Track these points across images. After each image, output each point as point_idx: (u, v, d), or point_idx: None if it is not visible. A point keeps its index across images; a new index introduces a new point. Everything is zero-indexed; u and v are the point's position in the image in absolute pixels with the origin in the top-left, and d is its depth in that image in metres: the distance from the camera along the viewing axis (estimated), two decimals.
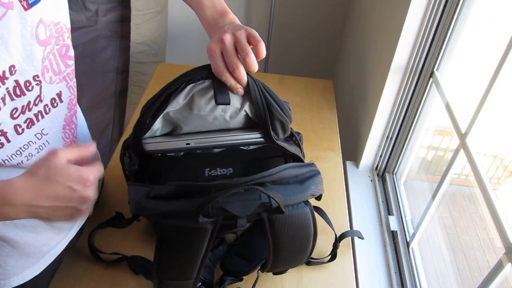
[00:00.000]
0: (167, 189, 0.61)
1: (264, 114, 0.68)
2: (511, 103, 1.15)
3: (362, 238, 0.91)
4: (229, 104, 0.65)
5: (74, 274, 0.82)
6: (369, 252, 1.12)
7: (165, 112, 0.68)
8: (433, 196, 1.04)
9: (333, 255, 0.87)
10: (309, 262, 0.84)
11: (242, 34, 0.63)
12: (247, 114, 0.71)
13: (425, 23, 1.03)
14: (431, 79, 1.11)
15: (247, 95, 0.67)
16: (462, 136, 0.91)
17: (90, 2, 1.55)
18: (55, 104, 0.68)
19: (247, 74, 0.66)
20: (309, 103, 1.36)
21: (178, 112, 0.69)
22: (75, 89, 0.73)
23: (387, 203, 1.26)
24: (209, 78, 0.65)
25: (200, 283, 0.76)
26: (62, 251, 0.82)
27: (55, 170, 0.54)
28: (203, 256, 0.60)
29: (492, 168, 2.54)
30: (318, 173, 0.68)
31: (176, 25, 2.08)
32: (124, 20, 1.64)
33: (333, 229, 0.87)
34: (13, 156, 0.62)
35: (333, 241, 0.87)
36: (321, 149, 1.18)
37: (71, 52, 0.69)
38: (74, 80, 0.72)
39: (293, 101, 1.37)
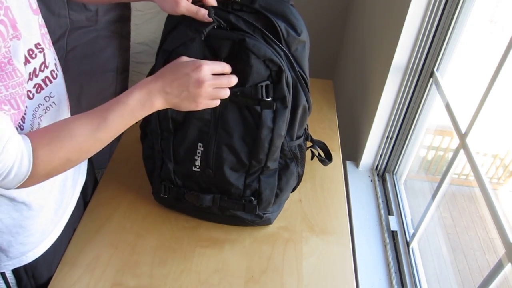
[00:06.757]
0: None
1: None
2: (511, 103, 1.15)
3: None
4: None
5: (74, 274, 0.82)
6: (369, 252, 1.12)
7: None
8: (433, 196, 1.04)
9: None
10: None
11: None
12: None
13: (425, 23, 1.03)
14: (431, 79, 1.11)
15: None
16: (462, 136, 0.91)
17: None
18: (59, 69, 0.74)
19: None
20: None
21: None
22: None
23: (387, 203, 1.26)
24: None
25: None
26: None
27: (180, 63, 0.66)
28: None
29: (492, 168, 2.55)
30: None
31: None
32: (124, 20, 1.64)
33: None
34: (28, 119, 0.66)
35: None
36: None
37: (43, 22, 0.73)
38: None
39: None
